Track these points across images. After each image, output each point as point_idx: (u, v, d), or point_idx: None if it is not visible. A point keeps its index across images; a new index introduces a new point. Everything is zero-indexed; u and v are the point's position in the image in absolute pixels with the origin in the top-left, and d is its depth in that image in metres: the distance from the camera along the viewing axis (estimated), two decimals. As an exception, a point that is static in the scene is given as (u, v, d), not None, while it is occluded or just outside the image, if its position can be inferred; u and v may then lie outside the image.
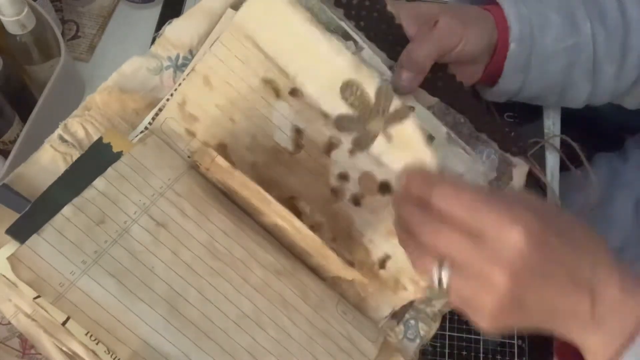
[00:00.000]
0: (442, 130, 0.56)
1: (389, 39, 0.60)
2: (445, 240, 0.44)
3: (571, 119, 0.76)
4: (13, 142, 0.69)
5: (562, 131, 0.75)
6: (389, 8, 0.59)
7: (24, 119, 0.69)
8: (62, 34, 0.80)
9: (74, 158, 0.53)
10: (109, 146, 0.51)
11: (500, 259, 0.42)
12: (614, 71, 0.65)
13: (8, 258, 0.46)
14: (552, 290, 0.44)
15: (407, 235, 0.46)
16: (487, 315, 0.44)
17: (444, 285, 0.44)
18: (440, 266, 0.44)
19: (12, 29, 0.67)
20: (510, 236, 0.42)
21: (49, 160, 0.53)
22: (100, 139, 0.51)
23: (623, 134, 0.85)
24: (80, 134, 0.54)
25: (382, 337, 0.54)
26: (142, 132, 0.54)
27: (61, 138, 0.53)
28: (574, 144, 0.68)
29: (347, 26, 0.54)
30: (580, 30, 0.63)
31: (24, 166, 0.53)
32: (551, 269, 0.43)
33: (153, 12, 0.83)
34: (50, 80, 0.69)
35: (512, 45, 0.62)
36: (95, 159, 0.51)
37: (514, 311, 0.44)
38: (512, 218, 0.42)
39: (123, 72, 0.55)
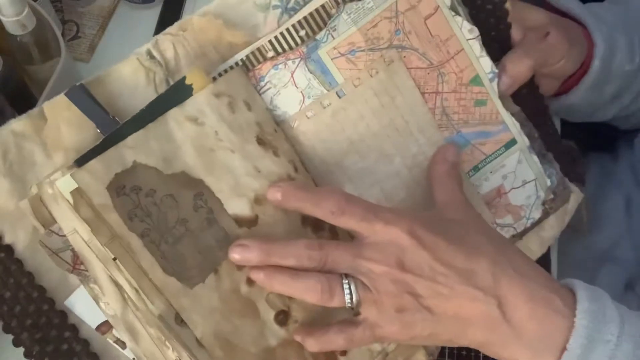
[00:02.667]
0: (524, 137, 0.58)
1: (490, 34, 0.59)
2: (330, 255, 0.46)
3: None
4: (12, 142, 0.66)
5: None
6: (507, 5, 0.59)
7: (23, 119, 0.67)
8: (62, 34, 0.79)
9: (157, 75, 0.51)
10: (190, 88, 0.49)
11: (386, 257, 0.45)
12: (634, 96, 0.69)
13: (71, 192, 0.44)
14: (447, 291, 0.45)
15: (295, 276, 0.47)
16: (393, 319, 0.46)
17: (355, 300, 0.46)
18: (346, 282, 0.46)
19: (12, 29, 0.65)
20: (397, 235, 0.45)
21: (131, 72, 0.51)
22: (183, 79, 0.49)
23: (615, 131, 0.86)
24: (169, 53, 0.52)
25: None
26: (230, 67, 0.53)
27: (149, 53, 0.51)
28: (578, 152, 0.68)
29: (462, 13, 0.56)
30: (634, 58, 0.66)
31: (105, 73, 0.51)
32: (440, 269, 0.45)
33: (153, 12, 0.82)
34: (51, 81, 0.68)
35: (596, 63, 0.64)
36: (174, 101, 0.49)
37: (418, 312, 0.46)
38: (395, 221, 0.46)
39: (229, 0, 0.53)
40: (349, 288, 0.46)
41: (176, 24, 0.53)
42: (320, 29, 0.54)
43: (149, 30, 0.81)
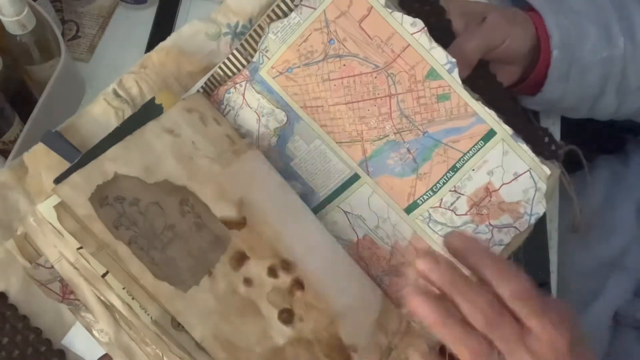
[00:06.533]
0: (504, 126, 0.55)
1: (435, 34, 0.57)
2: (502, 328, 0.46)
3: (572, 118, 0.76)
4: (13, 142, 0.67)
5: (562, 131, 0.76)
6: (442, 2, 0.61)
7: (24, 119, 0.67)
8: (62, 34, 0.80)
9: (126, 113, 0.53)
10: (160, 107, 0.52)
11: (543, 356, 0.46)
12: (638, 87, 0.67)
13: (55, 207, 0.46)
14: None
15: (452, 321, 0.46)
16: None
17: None
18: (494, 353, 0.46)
19: (12, 29, 0.66)
20: (559, 338, 0.46)
21: (101, 112, 0.54)
22: (152, 99, 0.52)
23: (624, 134, 0.85)
24: (134, 90, 0.54)
25: None
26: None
27: (115, 93, 0.54)
28: (580, 153, 0.67)
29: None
30: (614, 43, 0.65)
31: (77, 117, 0.53)
32: None
33: (153, 13, 0.82)
34: (50, 80, 0.68)
35: (555, 52, 0.63)
36: (146, 119, 0.51)
37: None
38: (561, 325, 0.46)
39: (182, 33, 0.55)
40: None
41: (137, 63, 0.55)
42: (255, 52, 0.55)
43: (149, 30, 0.80)
